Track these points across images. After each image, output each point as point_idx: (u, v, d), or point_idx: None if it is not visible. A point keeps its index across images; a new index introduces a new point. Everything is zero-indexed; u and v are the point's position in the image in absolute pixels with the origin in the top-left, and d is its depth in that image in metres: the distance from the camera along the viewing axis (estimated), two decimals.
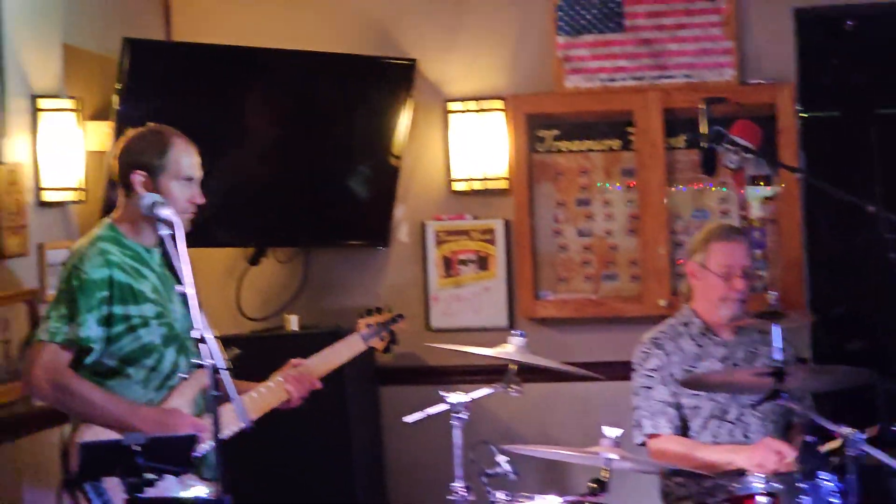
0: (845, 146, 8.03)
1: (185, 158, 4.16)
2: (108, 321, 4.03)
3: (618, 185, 6.05)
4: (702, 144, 4.73)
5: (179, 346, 4.18)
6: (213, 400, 3.54)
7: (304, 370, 4.38)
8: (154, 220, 4.09)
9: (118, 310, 4.04)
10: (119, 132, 5.12)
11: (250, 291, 6.12)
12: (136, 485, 3.50)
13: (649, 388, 4.97)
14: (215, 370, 3.54)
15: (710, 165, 4.72)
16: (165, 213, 3.84)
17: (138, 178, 4.08)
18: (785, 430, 5.03)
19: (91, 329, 3.99)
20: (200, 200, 4.16)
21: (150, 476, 3.51)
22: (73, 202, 5.31)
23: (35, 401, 4.74)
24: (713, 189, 5.98)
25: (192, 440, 3.66)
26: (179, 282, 4.25)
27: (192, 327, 4.06)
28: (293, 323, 5.89)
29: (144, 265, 4.12)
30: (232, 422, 4.07)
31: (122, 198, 4.15)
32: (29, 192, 5.08)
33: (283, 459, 5.37)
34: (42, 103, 5.11)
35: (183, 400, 4.12)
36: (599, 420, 5.31)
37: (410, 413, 4.94)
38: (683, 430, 4.88)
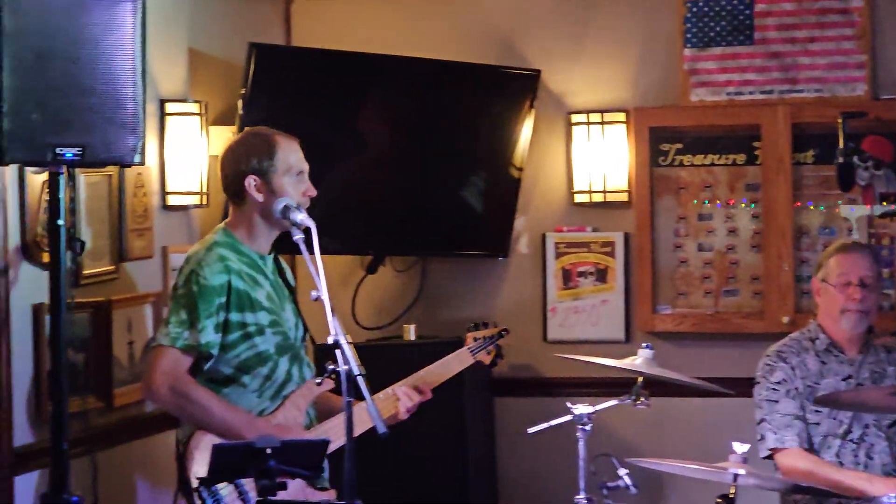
0: None
1: (293, 154, 4.19)
2: (224, 328, 4.08)
3: (742, 200, 6.01)
4: (839, 159, 4.71)
5: (293, 356, 4.23)
6: (348, 405, 3.57)
7: (417, 384, 4.41)
8: (271, 227, 4.19)
9: (235, 317, 4.10)
10: None
11: (365, 300, 6.16)
12: (268, 487, 3.56)
13: (775, 401, 4.93)
14: (350, 376, 3.59)
15: (846, 181, 4.71)
16: (300, 217, 3.89)
17: (251, 182, 4.12)
18: None
19: (210, 335, 4.05)
20: (313, 192, 4.20)
21: (282, 479, 3.58)
22: (196, 206, 5.42)
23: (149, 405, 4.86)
24: (841, 205, 5.91)
25: (324, 445, 3.72)
26: (291, 291, 4.34)
27: (303, 337, 4.15)
28: (411, 333, 5.92)
29: (259, 272, 4.17)
30: (360, 426, 4.12)
31: (234, 205, 4.20)
32: (154, 195, 5.19)
33: (400, 466, 5.40)
34: (169, 107, 5.22)
35: (296, 411, 4.18)
36: (715, 436, 5.35)
37: (524, 424, 4.96)
38: (808, 444, 4.85)
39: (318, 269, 3.70)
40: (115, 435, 4.82)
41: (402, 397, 4.35)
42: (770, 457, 4.83)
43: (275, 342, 4.17)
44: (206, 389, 4.07)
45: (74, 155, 3.54)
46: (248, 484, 4.05)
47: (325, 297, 3.66)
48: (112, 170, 4.78)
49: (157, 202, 5.22)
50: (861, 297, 4.86)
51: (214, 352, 4.06)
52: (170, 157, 5.25)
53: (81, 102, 3.53)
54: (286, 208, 3.95)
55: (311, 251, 3.77)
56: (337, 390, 4.17)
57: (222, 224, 4.22)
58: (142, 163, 3.68)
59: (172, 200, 5.30)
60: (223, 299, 4.06)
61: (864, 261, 4.92)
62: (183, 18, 5.40)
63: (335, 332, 3.64)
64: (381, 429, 3.71)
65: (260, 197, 4.11)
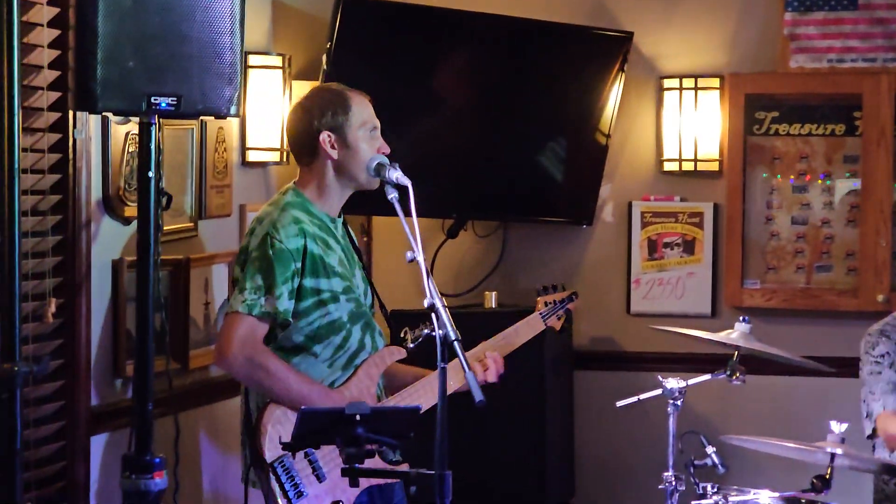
0: None
1: (366, 109, 4.17)
2: (298, 294, 4.04)
3: (839, 172, 5.98)
4: None
5: (365, 323, 4.19)
6: (442, 371, 3.53)
7: (494, 350, 4.36)
8: (344, 186, 4.17)
9: (309, 282, 4.04)
10: None
11: (445, 265, 6.13)
12: (354, 455, 3.55)
13: (878, 372, 4.89)
14: (445, 341, 3.55)
15: None
16: (396, 174, 3.85)
17: (326, 137, 4.09)
18: None
19: (286, 302, 3.99)
20: (387, 149, 4.16)
21: (370, 447, 3.57)
22: (275, 163, 5.41)
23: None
24: None
25: (415, 412, 3.68)
26: (359, 255, 4.32)
27: (372, 304, 4.10)
28: (492, 300, 5.91)
29: (331, 236, 4.13)
30: (432, 395, 4.12)
31: (304, 165, 4.17)
32: (234, 150, 5.18)
33: (481, 439, 5.39)
34: (251, 60, 5.16)
35: (369, 381, 4.13)
36: (810, 416, 5.33)
37: (606, 398, 4.95)
38: None
39: (415, 229, 3.66)
40: (190, 397, 4.82)
41: (488, 363, 4.29)
42: (874, 434, 4.78)
43: (348, 309, 4.13)
44: (283, 361, 4.03)
45: (169, 105, 3.51)
46: (322, 461, 4.06)
47: (420, 258, 3.60)
48: (193, 123, 4.76)
49: (236, 158, 5.21)
50: None
51: (290, 319, 4.02)
52: (251, 112, 5.21)
53: (178, 50, 3.50)
54: (380, 166, 3.92)
55: (406, 212, 3.74)
56: (405, 361, 4.21)
57: (291, 184, 4.19)
58: (238, 115, 3.66)
59: (252, 157, 5.29)
60: (299, 264, 4.02)
61: None
62: None
63: (431, 294, 3.59)
64: (479, 396, 3.64)
65: (335, 153, 4.09)
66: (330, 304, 4.09)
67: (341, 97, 4.15)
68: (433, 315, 3.57)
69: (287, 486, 3.99)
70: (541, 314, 4.63)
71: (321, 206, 4.13)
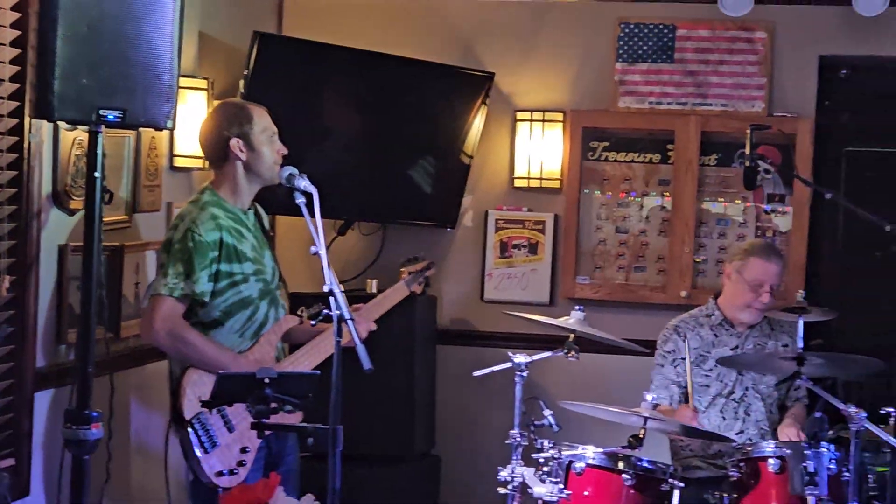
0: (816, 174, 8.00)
1: (265, 118, 4.19)
2: (215, 277, 4.03)
3: (654, 192, 6.01)
4: (746, 164, 4.72)
5: (271, 299, 4.19)
6: (337, 345, 3.50)
7: (364, 312, 4.43)
8: (252, 183, 4.16)
9: (224, 267, 4.04)
10: None
11: (335, 258, 5.93)
12: (263, 411, 3.51)
13: (662, 365, 5.06)
14: (341, 320, 3.51)
15: (751, 180, 4.74)
16: (303, 183, 3.81)
17: (236, 143, 4.09)
18: (779, 410, 5.07)
19: (204, 285, 3.99)
20: (285, 150, 4.18)
21: (275, 405, 3.52)
22: (198, 168, 5.26)
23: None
24: (737, 202, 5.95)
25: (314, 377, 3.65)
26: (269, 238, 4.28)
27: (279, 282, 4.07)
28: (373, 286, 5.82)
29: (243, 226, 4.12)
30: (313, 360, 4.12)
31: (217, 168, 4.17)
32: (164, 157, 5.05)
33: (361, 400, 5.31)
34: (181, 81, 4.98)
35: (269, 346, 4.14)
36: (627, 387, 5.35)
37: (464, 369, 4.94)
38: (683, 402, 4.93)
39: (319, 229, 3.64)
40: (122, 361, 4.69)
41: (360, 323, 4.28)
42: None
43: (258, 288, 4.13)
44: (198, 332, 4.02)
45: (116, 117, 3.41)
46: (232, 415, 4.02)
47: (322, 252, 3.61)
48: (131, 132, 4.65)
49: (166, 163, 5.08)
50: (766, 301, 4.91)
51: (207, 299, 4.01)
52: (179, 125, 4.99)
53: (125, 72, 3.39)
54: (291, 176, 3.87)
55: (311, 214, 3.72)
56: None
57: (207, 184, 4.16)
58: (173, 128, 3.56)
59: (179, 163, 5.15)
60: (216, 253, 4.01)
61: (778, 268, 4.95)
62: (195, 5, 5.22)
63: (330, 281, 3.59)
64: (367, 365, 3.62)
65: (243, 156, 4.10)
66: (242, 285, 4.08)
67: (244, 109, 4.16)
68: (331, 298, 3.54)
69: (203, 438, 3.97)
70: (405, 281, 4.70)
71: (234, 201, 4.11)
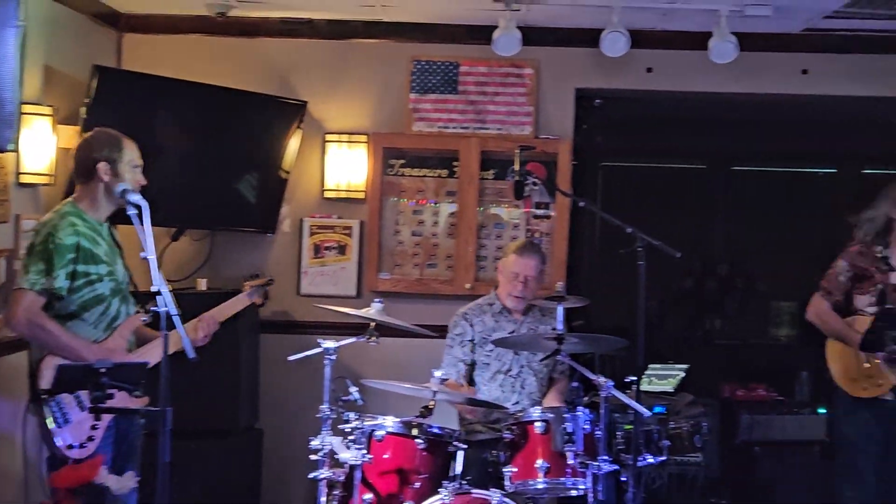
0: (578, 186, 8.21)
1: (133, 151, 4.12)
2: (72, 276, 3.93)
3: (443, 202, 6.05)
4: (516, 178, 4.75)
5: (122, 297, 4.10)
6: (166, 337, 3.45)
7: (208, 318, 4.35)
8: (109, 202, 4.06)
9: (81, 268, 3.95)
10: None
11: (169, 260, 5.89)
12: (100, 397, 3.44)
13: (451, 346, 5.10)
14: (168, 315, 3.46)
15: (520, 192, 4.77)
16: (135, 198, 3.76)
17: (103, 167, 4.01)
18: (548, 382, 5.17)
19: (62, 281, 3.89)
20: (144, 182, 4.10)
21: (111, 391, 3.45)
22: (44, 185, 5.07)
23: (6, 333, 4.55)
24: (511, 209, 6.03)
25: (143, 367, 3.61)
26: (120, 249, 4.18)
27: (129, 282, 3.99)
28: (203, 285, 5.75)
29: (98, 235, 4.03)
30: (159, 353, 3.98)
31: (82, 185, 4.06)
32: (11, 174, 4.84)
33: (193, 382, 5.18)
34: (27, 108, 4.83)
35: (121, 339, 4.06)
36: (421, 366, 5.36)
37: (283, 354, 4.89)
38: (470, 381, 5.00)
39: (148, 236, 3.59)
40: None
41: (201, 327, 4.27)
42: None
43: (110, 287, 4.05)
44: (55, 322, 3.91)
45: None
46: (84, 395, 3.90)
47: (151, 256, 3.56)
48: None
49: (13, 180, 4.86)
50: (522, 289, 4.99)
51: (64, 293, 3.91)
52: (26, 147, 4.88)
53: None
54: (125, 191, 3.82)
55: (142, 223, 3.68)
56: (152, 325, 4.06)
57: (70, 199, 4.06)
58: (15, 150, 3.44)
59: (25, 179, 4.93)
60: (74, 255, 3.92)
61: (532, 262, 5.00)
62: (40, 42, 5.04)
63: (157, 282, 3.53)
64: (191, 354, 3.62)
65: (107, 178, 4.01)
66: (96, 283, 3.99)
67: (117, 139, 4.08)
68: (159, 296, 3.49)
69: (57, 415, 3.86)
70: (247, 294, 4.62)
71: (92, 214, 4.02)
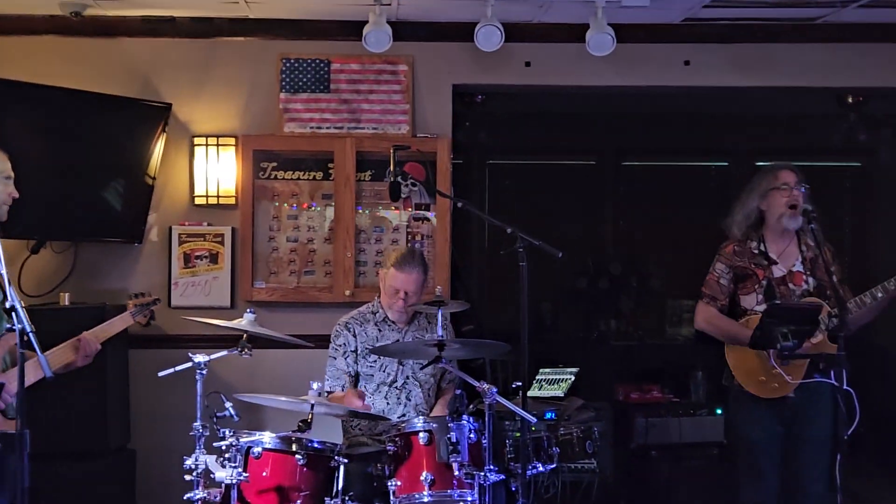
0: (465, 185, 8.30)
1: (3, 164, 4.11)
2: None
3: (319, 205, 6.08)
4: (390, 179, 4.81)
5: None
6: (21, 355, 3.45)
7: (89, 337, 4.30)
8: None
9: None
10: None
11: (29, 274, 5.86)
12: None
13: (335, 357, 5.08)
14: (23, 333, 3.46)
15: (396, 194, 4.81)
16: None
17: None
18: (436, 392, 5.21)
19: None
20: (16, 194, 4.13)
21: None
22: None
23: None
24: (390, 212, 6.08)
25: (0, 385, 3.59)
26: None
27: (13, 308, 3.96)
28: (66, 300, 5.70)
29: None
30: (35, 374, 3.98)
31: None
32: None
33: (58, 402, 5.19)
34: None
35: None
36: (300, 377, 5.36)
37: (154, 370, 4.88)
38: (353, 387, 4.98)
39: None
40: None
41: (81, 346, 4.23)
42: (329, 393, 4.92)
43: None
44: None
45: None
46: None
47: (3, 271, 3.54)
48: None
49: None
50: (402, 305, 5.02)
51: None
52: None
53: None
54: None
55: None
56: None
57: None
58: None
59: None
60: None
61: (412, 276, 4.99)
62: None
63: (11, 298, 3.51)
64: (48, 373, 3.60)
65: None
66: None
67: None
68: (13, 314, 3.48)
69: None
70: (131, 312, 4.58)
71: None
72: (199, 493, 4.31)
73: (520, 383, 4.50)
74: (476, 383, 4.31)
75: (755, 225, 5.07)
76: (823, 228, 4.95)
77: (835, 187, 9.05)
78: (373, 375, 5.08)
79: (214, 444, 4.39)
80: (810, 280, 4.93)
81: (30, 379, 3.92)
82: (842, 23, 6.00)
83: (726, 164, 9.32)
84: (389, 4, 5.48)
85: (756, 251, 5.03)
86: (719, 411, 6.47)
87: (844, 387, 4.45)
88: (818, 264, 4.91)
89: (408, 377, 5.10)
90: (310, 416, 4.37)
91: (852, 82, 6.26)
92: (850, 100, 7.70)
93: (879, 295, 4.74)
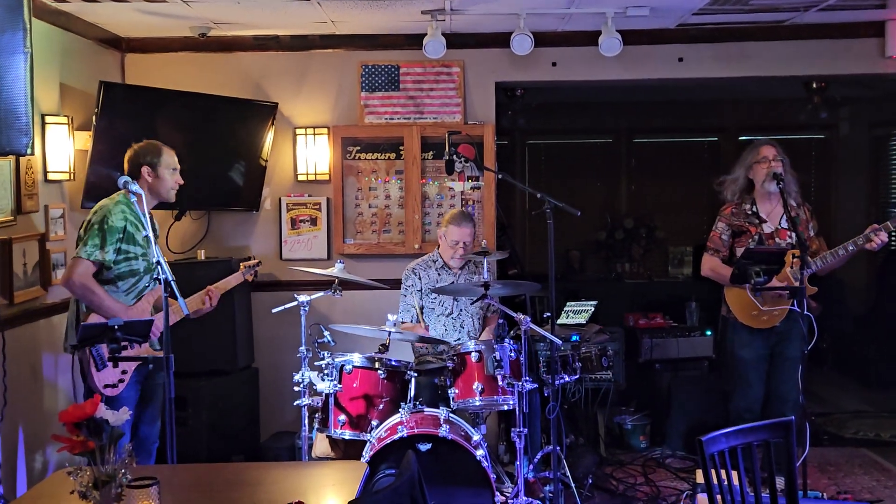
0: (509, 161, 8.26)
1: (171, 157, 4.21)
2: (117, 252, 3.98)
3: (393, 179, 6.06)
4: (446, 157, 4.81)
5: (151, 273, 4.11)
6: (165, 299, 3.51)
7: (214, 289, 4.37)
8: (152, 196, 4.15)
9: (124, 246, 4.01)
10: (96, 139, 5.01)
11: (174, 236, 5.97)
12: (116, 348, 3.50)
13: (405, 295, 5.13)
14: (167, 282, 3.52)
15: (450, 169, 4.81)
16: (134, 188, 3.78)
17: (146, 170, 4.11)
18: (484, 321, 5.23)
19: (111, 255, 3.95)
20: (181, 181, 4.22)
21: (124, 343, 3.51)
22: (65, 180, 5.11)
23: (49, 298, 4.60)
24: (447, 182, 6.03)
25: (149, 323, 3.66)
26: (157, 235, 4.25)
27: (158, 262, 4.05)
28: (202, 255, 5.78)
29: (141, 223, 4.05)
30: (176, 314, 4.06)
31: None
32: (39, 173, 4.89)
33: (198, 332, 5.26)
34: (48, 119, 4.91)
35: (146, 304, 4.10)
36: (380, 312, 5.49)
37: (270, 307, 4.95)
38: (419, 320, 5.01)
39: (146, 219, 3.68)
40: (15, 320, 4.54)
41: (207, 297, 4.29)
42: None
43: (143, 265, 4.09)
44: (101, 287, 3.96)
45: None
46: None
47: (151, 234, 3.68)
48: (12, 158, 4.50)
49: (41, 177, 4.90)
50: (463, 250, 5.05)
51: (111, 265, 3.97)
52: (50, 149, 4.93)
53: None
54: (126, 182, 3.81)
55: (142, 208, 3.76)
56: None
57: (122, 191, 3.99)
58: (32, 153, 3.46)
59: (51, 177, 4.98)
60: (121, 235, 3.98)
61: (467, 230, 5.03)
62: (57, 65, 5.08)
63: (157, 255, 3.59)
64: (186, 311, 3.71)
65: (150, 179, 4.12)
66: (133, 260, 4.05)
67: (158, 148, 4.18)
68: (159, 266, 3.55)
69: (97, 359, 3.92)
70: (242, 272, 4.66)
71: (138, 206, 3.97)
72: (306, 400, 4.43)
73: (549, 314, 4.53)
74: (514, 314, 4.33)
75: (747, 189, 4.99)
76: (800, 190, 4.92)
77: (803, 156, 8.91)
78: (434, 308, 5.11)
79: (316, 363, 4.50)
80: (793, 234, 4.84)
81: (173, 319, 4.03)
82: (805, 23, 5.86)
83: (716, 139, 9.24)
84: (444, 20, 5.45)
85: (749, 212, 4.96)
86: (709, 332, 6.45)
87: (805, 312, 4.41)
88: (800, 220, 4.85)
89: (461, 310, 5.13)
90: (388, 341, 4.44)
91: (815, 71, 6.10)
92: (814, 85, 7.58)
93: (850, 248, 4.66)
